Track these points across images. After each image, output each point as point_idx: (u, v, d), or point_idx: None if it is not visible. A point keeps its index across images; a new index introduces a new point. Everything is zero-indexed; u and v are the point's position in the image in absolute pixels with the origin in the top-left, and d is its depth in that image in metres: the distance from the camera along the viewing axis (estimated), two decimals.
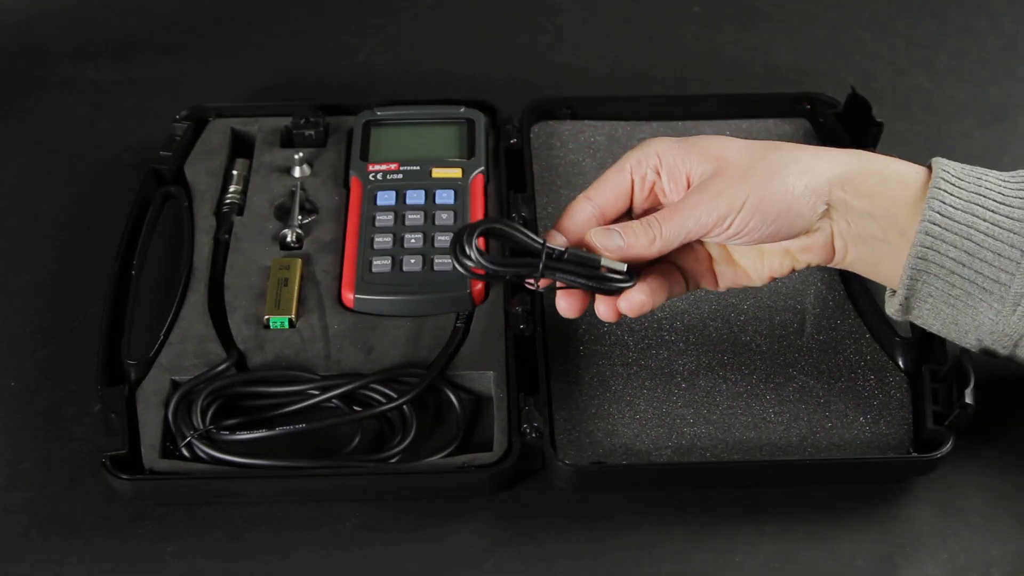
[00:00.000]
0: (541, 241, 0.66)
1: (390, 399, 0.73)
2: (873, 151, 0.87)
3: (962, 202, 0.65)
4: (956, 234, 0.65)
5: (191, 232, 0.82)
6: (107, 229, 0.84)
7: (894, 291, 0.68)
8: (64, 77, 1.01)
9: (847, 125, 0.89)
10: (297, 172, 0.86)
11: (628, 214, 0.71)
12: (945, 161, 0.67)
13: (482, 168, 0.85)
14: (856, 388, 0.75)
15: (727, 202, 0.66)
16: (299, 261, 0.80)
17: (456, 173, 0.84)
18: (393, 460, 0.71)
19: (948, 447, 0.69)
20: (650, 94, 0.97)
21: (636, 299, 0.68)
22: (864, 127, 0.87)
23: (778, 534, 0.70)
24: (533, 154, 0.89)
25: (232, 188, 0.85)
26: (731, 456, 0.72)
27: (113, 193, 0.89)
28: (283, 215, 0.84)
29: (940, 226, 0.65)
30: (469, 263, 0.65)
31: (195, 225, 0.83)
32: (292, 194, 0.85)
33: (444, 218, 0.81)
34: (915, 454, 0.71)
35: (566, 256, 0.66)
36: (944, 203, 0.65)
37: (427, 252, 0.79)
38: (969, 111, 0.98)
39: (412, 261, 0.79)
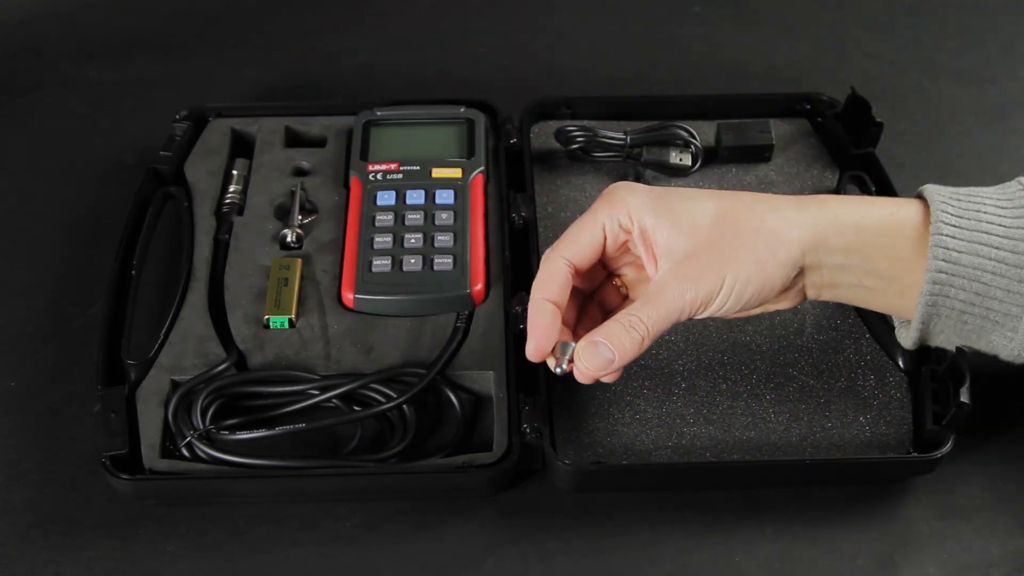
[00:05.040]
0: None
1: (390, 399, 0.73)
2: (872, 151, 0.87)
3: (966, 243, 0.64)
4: (964, 278, 0.64)
5: (191, 232, 0.82)
6: (107, 229, 0.84)
7: (901, 321, 0.69)
8: (64, 77, 1.02)
9: (847, 125, 0.89)
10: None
11: (598, 263, 0.70)
12: (940, 195, 0.66)
13: (482, 168, 0.85)
14: (856, 388, 0.75)
15: (705, 289, 0.65)
16: (299, 261, 0.80)
17: (456, 173, 0.84)
18: (393, 460, 0.71)
19: (948, 447, 0.70)
20: (650, 94, 0.97)
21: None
22: (864, 127, 0.87)
23: (778, 534, 0.70)
24: (533, 154, 0.89)
25: (232, 188, 0.85)
26: (731, 456, 0.72)
27: (113, 193, 0.89)
28: (283, 215, 0.84)
29: (947, 273, 0.64)
30: None
31: (195, 225, 0.83)
32: (292, 194, 0.85)
33: (444, 218, 0.81)
34: (915, 454, 0.71)
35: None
36: (948, 249, 0.64)
37: (427, 252, 0.79)
38: (969, 111, 0.98)
39: (412, 261, 0.79)
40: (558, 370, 0.67)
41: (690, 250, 0.65)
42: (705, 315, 0.66)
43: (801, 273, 0.66)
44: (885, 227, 0.66)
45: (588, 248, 0.68)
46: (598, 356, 0.66)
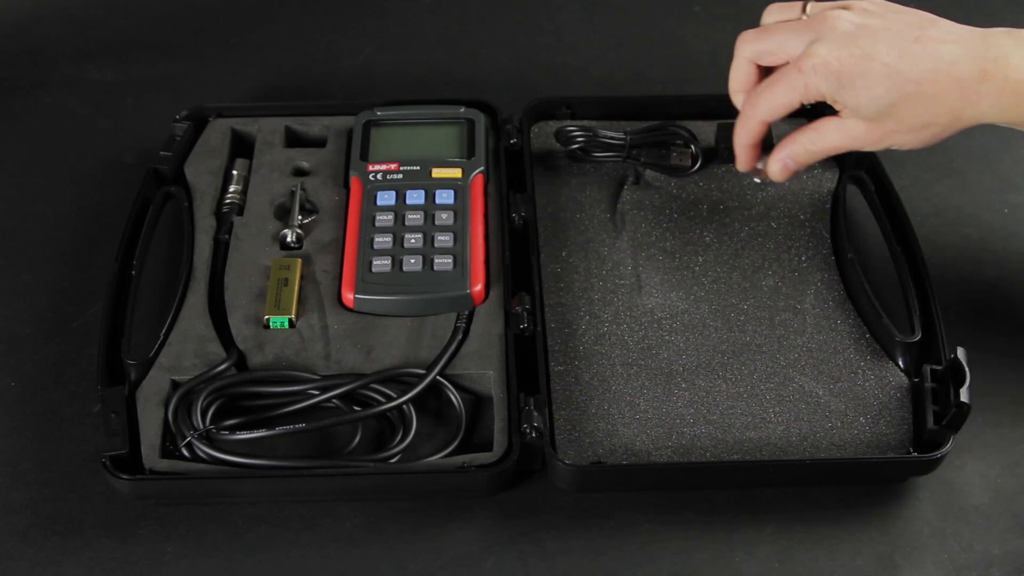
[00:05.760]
0: None
1: (390, 399, 0.73)
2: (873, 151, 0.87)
3: None
4: None
5: (191, 232, 0.82)
6: (107, 229, 0.84)
7: None
8: (64, 77, 1.01)
9: None
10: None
11: None
12: None
13: (482, 168, 0.85)
14: (856, 388, 0.75)
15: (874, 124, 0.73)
16: (299, 261, 0.80)
17: (456, 173, 0.84)
18: (393, 460, 0.71)
19: (948, 447, 0.70)
20: (650, 94, 0.97)
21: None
22: None
23: (778, 534, 0.70)
24: (533, 154, 0.89)
25: (232, 188, 0.85)
26: (731, 456, 0.72)
27: (113, 193, 0.89)
28: (283, 215, 0.84)
29: None
30: None
31: (195, 225, 0.83)
32: (292, 194, 0.85)
33: (444, 218, 0.81)
34: (915, 454, 0.71)
35: None
36: None
37: (427, 252, 0.79)
38: None
39: (412, 261, 0.79)
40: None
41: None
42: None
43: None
44: None
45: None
46: (784, 168, 0.78)
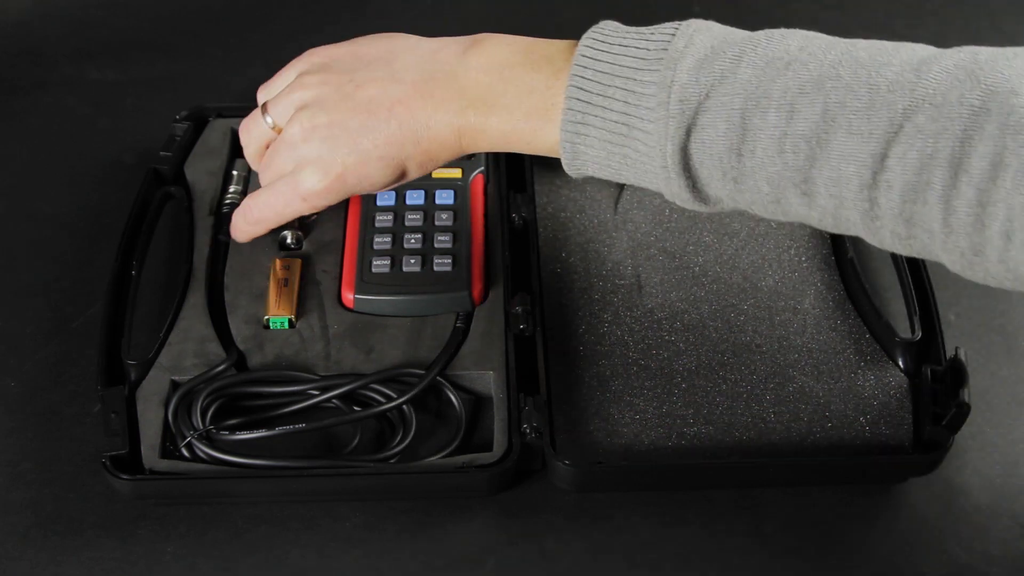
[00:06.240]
0: None
1: (390, 399, 0.73)
2: None
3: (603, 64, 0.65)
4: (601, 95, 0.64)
5: (191, 232, 0.82)
6: (107, 229, 0.84)
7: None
8: (64, 77, 1.01)
9: None
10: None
11: None
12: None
13: (482, 168, 0.85)
14: (856, 388, 0.75)
15: None
16: (299, 261, 0.80)
17: (456, 173, 0.84)
18: (393, 460, 0.71)
19: (948, 447, 0.69)
20: None
21: None
22: None
23: (778, 534, 0.70)
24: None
25: (232, 188, 0.85)
26: (731, 456, 0.72)
27: (113, 193, 0.89)
28: None
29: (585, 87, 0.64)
30: None
31: (195, 225, 0.83)
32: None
33: (444, 218, 0.81)
34: (915, 454, 0.71)
35: None
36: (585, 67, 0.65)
37: (427, 252, 0.79)
38: None
39: (412, 261, 0.79)
40: None
41: None
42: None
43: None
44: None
45: None
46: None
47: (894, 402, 0.74)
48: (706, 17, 0.65)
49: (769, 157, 0.59)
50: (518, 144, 0.67)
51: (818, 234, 0.84)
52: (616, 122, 0.63)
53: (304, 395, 0.74)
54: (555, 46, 0.68)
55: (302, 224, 0.82)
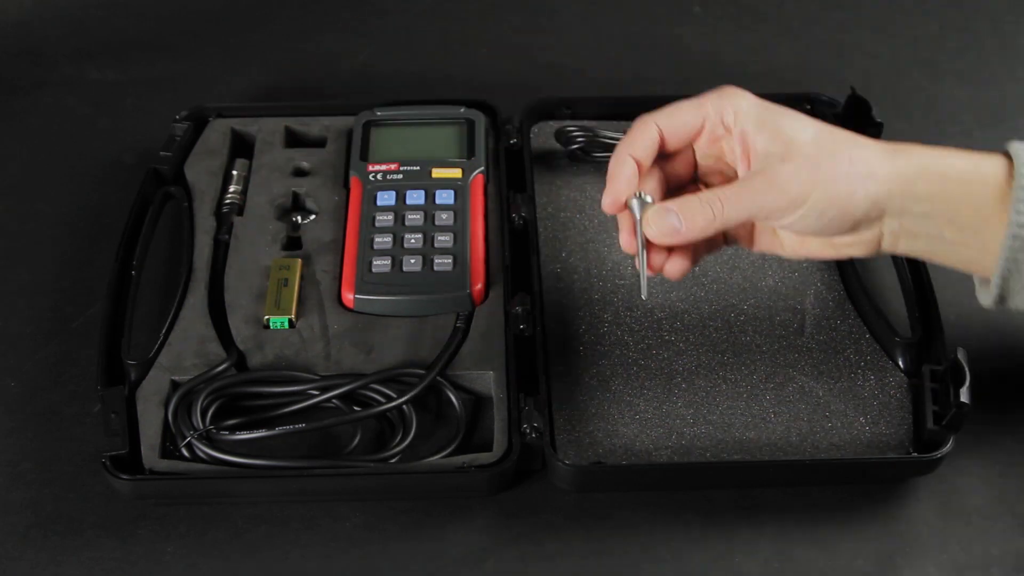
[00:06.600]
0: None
1: (390, 399, 0.73)
2: None
3: None
4: None
5: (191, 232, 0.82)
6: (107, 229, 0.84)
7: (981, 280, 0.68)
8: (64, 77, 1.01)
9: (847, 125, 0.88)
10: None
11: (682, 154, 0.71)
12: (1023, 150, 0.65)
13: (482, 168, 0.85)
14: (856, 388, 0.75)
15: (791, 196, 0.65)
16: (299, 261, 0.80)
17: (456, 173, 0.84)
18: (393, 460, 0.71)
19: (948, 447, 0.70)
20: (650, 94, 0.97)
21: (680, 265, 0.69)
22: (864, 127, 0.87)
23: (778, 534, 0.70)
24: (533, 154, 0.89)
25: (232, 188, 0.85)
26: (731, 456, 0.72)
27: (113, 193, 0.89)
28: (283, 215, 0.84)
29: None
30: None
31: (195, 225, 0.83)
32: (292, 194, 0.85)
33: (444, 218, 0.81)
34: (915, 454, 0.71)
35: None
36: None
37: (427, 252, 0.79)
38: (969, 111, 0.98)
39: (412, 261, 0.79)
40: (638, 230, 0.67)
41: (786, 159, 0.65)
42: (778, 224, 0.66)
43: (880, 218, 0.65)
44: (970, 179, 0.65)
45: (684, 127, 0.69)
46: (664, 222, 0.66)
47: (894, 402, 0.74)
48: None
49: None
50: None
51: None
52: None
53: (304, 395, 0.74)
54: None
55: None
